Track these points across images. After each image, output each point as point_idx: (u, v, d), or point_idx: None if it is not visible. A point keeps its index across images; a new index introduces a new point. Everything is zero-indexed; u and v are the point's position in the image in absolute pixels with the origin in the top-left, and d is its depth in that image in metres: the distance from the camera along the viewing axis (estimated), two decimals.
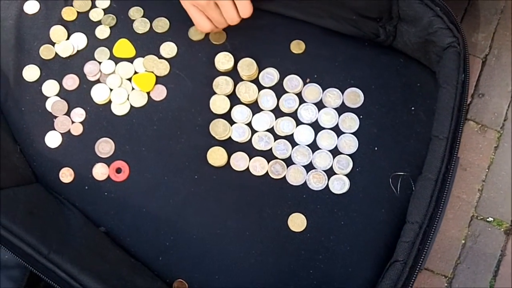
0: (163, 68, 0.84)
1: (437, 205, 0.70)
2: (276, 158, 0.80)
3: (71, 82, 0.84)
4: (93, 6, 0.88)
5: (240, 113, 0.82)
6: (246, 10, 0.79)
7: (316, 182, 0.79)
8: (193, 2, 0.78)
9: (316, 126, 0.81)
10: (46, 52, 0.85)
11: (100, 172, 0.81)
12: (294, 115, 0.82)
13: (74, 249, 0.72)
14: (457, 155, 0.72)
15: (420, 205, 0.70)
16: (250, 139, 0.81)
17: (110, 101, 0.83)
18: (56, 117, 0.83)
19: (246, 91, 0.82)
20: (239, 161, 0.80)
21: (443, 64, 0.75)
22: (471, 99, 0.88)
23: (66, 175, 0.81)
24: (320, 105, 0.82)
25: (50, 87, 0.84)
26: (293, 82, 0.83)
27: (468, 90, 0.73)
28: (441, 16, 0.75)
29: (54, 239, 0.71)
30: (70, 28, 0.87)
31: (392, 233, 0.76)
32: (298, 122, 0.82)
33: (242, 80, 0.83)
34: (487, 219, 0.85)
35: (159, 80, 0.84)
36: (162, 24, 0.86)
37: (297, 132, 0.81)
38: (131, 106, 0.83)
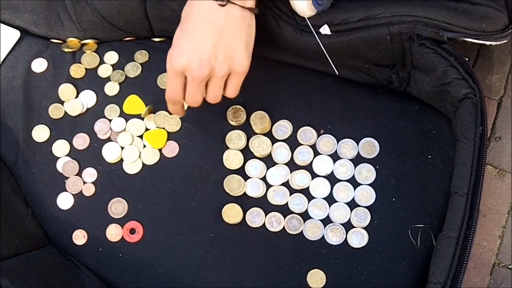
0: (175, 124, 0.83)
1: (459, 264, 0.68)
2: (293, 212, 0.79)
3: (81, 141, 0.83)
4: (102, 62, 0.87)
5: (254, 168, 0.81)
6: (234, 91, 0.73)
7: (334, 236, 0.77)
8: (185, 71, 0.69)
9: (332, 179, 0.80)
10: (55, 111, 0.84)
11: (113, 233, 0.79)
12: (309, 167, 0.81)
13: None
14: (479, 209, 0.70)
15: (442, 265, 0.69)
16: (265, 194, 0.80)
17: (121, 160, 0.82)
18: (67, 178, 0.82)
19: (260, 145, 0.81)
20: (255, 217, 0.79)
21: (459, 116, 0.73)
22: (488, 143, 0.86)
23: (80, 237, 0.80)
24: (335, 157, 0.81)
25: (60, 147, 0.83)
26: (307, 134, 0.81)
27: (487, 142, 0.72)
28: (456, 66, 0.73)
29: None
30: (79, 85, 0.86)
31: None
32: (314, 175, 0.80)
33: (255, 133, 0.82)
34: (509, 266, 0.83)
35: (171, 136, 0.83)
36: None
37: (313, 185, 0.80)
38: (143, 164, 0.82)
